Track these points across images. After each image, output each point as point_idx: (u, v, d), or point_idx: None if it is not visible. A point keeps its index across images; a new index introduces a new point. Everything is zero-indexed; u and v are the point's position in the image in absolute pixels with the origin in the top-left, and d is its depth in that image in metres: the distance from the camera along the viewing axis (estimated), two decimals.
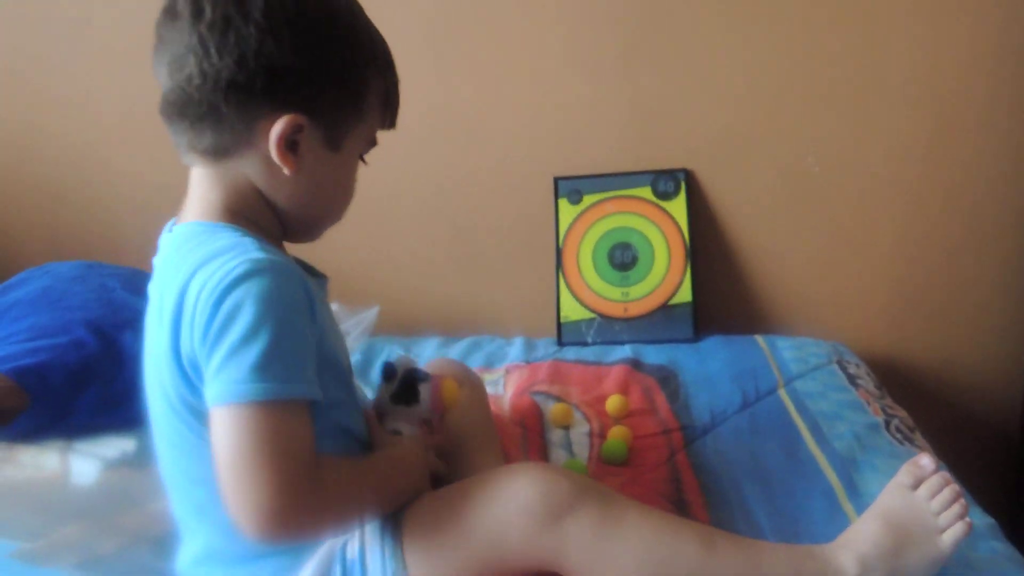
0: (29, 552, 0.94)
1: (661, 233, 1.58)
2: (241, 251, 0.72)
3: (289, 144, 0.76)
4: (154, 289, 0.79)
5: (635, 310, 1.57)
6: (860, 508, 0.97)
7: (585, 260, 1.60)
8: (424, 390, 0.95)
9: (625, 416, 1.24)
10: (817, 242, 1.58)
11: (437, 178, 1.61)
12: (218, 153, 0.77)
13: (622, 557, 0.77)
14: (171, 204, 1.72)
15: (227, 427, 0.69)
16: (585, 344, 1.56)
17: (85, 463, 1.13)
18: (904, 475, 0.85)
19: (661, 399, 1.30)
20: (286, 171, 0.77)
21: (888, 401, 1.29)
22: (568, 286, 1.59)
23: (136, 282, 1.42)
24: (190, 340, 0.71)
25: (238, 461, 0.69)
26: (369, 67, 0.80)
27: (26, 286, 1.36)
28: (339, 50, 0.77)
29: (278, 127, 0.75)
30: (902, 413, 1.24)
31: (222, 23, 0.73)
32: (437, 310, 1.68)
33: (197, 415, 0.74)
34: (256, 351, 0.69)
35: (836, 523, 0.94)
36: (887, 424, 1.17)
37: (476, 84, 1.58)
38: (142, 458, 1.15)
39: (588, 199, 1.60)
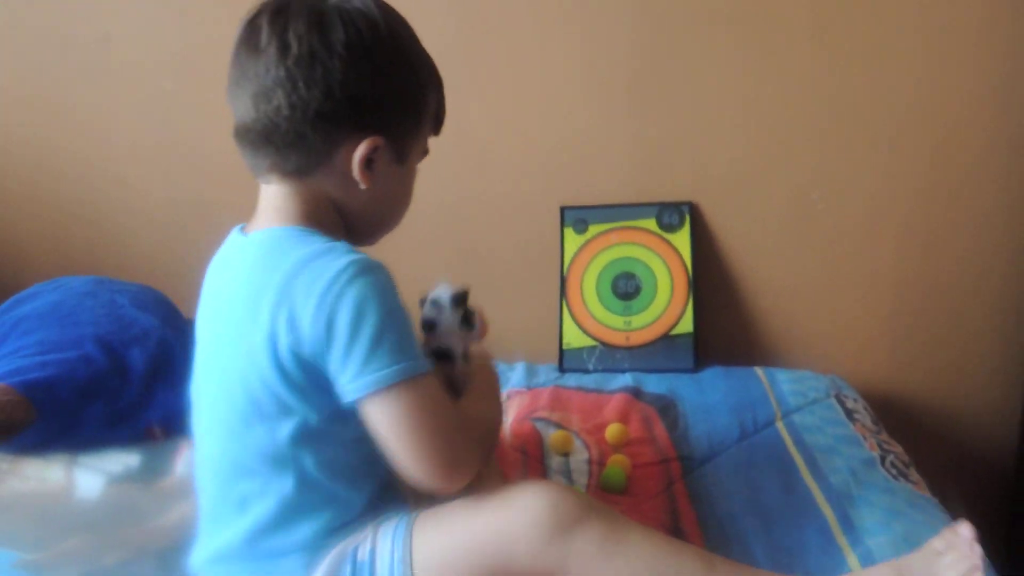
0: (32, 563, 0.96)
1: (664, 264, 1.60)
2: (341, 252, 0.79)
3: (369, 162, 0.84)
4: (229, 283, 0.85)
5: (637, 339, 1.59)
6: (855, 542, 0.99)
7: (589, 288, 1.62)
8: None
9: (624, 444, 1.25)
10: (818, 277, 1.60)
11: (447, 202, 1.63)
12: (300, 173, 0.84)
13: (624, 572, 0.79)
14: (180, 221, 1.77)
15: (391, 408, 0.78)
16: (586, 371, 1.58)
17: (90, 477, 1.14)
18: (939, 541, 0.85)
19: (660, 428, 1.31)
20: (363, 186, 0.85)
21: (884, 436, 1.30)
22: (571, 313, 1.61)
23: (144, 299, 1.44)
24: (297, 340, 0.77)
25: (414, 432, 0.78)
26: (427, 86, 0.89)
27: (37, 300, 1.38)
28: (406, 75, 0.86)
29: (361, 149, 0.83)
30: (898, 448, 1.25)
31: (308, 58, 0.79)
32: None
33: (280, 406, 0.79)
34: (392, 340, 0.77)
35: (830, 557, 0.96)
36: (882, 459, 1.18)
37: (488, 114, 1.60)
38: (146, 474, 1.17)
39: (593, 229, 1.62)
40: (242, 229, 0.90)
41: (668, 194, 1.61)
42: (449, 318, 0.99)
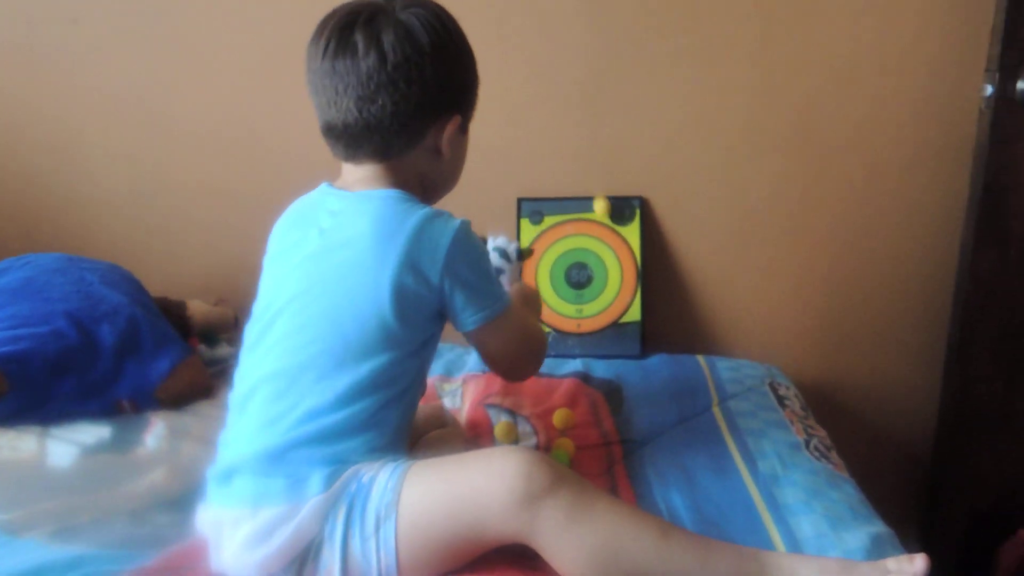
0: (7, 522, 1.00)
1: (615, 256, 1.68)
2: (446, 216, 0.98)
3: (452, 138, 1.02)
4: (337, 233, 0.98)
5: (587, 326, 1.67)
6: (777, 519, 1.07)
7: (543, 277, 1.69)
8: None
9: (570, 428, 1.33)
10: (757, 273, 1.70)
11: None
12: (399, 155, 1.01)
13: (587, 538, 0.87)
14: (143, 200, 1.79)
15: (503, 330, 1.03)
16: None
17: (62, 448, 1.19)
18: (894, 563, 0.89)
19: (605, 412, 1.39)
20: (444, 157, 1.02)
21: (811, 421, 1.40)
22: None
23: (112, 277, 1.48)
24: (421, 279, 0.95)
25: (519, 349, 1.08)
26: (476, 68, 1.06)
27: (7, 275, 1.41)
28: (469, 60, 1.04)
29: (450, 128, 1.01)
30: (822, 433, 1.35)
31: (405, 63, 0.95)
32: None
33: (384, 338, 0.95)
34: (491, 282, 1.02)
35: (755, 531, 1.05)
36: (807, 443, 1.28)
37: None
38: (118, 445, 1.23)
39: (548, 220, 1.70)
40: (332, 186, 1.05)
41: (620, 188, 1.69)
42: (514, 269, 1.26)
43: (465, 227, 0.98)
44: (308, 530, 0.88)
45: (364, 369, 0.94)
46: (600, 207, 1.65)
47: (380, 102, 0.95)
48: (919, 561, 0.88)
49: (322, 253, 0.98)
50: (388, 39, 0.95)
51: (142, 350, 1.35)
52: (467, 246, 0.97)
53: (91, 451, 1.20)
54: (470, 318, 0.99)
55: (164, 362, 1.36)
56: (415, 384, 1.02)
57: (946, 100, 1.58)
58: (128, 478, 1.13)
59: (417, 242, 0.94)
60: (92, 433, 1.24)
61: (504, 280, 1.25)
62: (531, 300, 1.24)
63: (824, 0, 1.57)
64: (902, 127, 1.61)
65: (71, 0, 1.72)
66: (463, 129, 1.06)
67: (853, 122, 1.61)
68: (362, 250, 0.95)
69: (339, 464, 0.91)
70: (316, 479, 0.89)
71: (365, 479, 0.90)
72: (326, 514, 0.89)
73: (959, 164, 1.60)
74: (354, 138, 0.99)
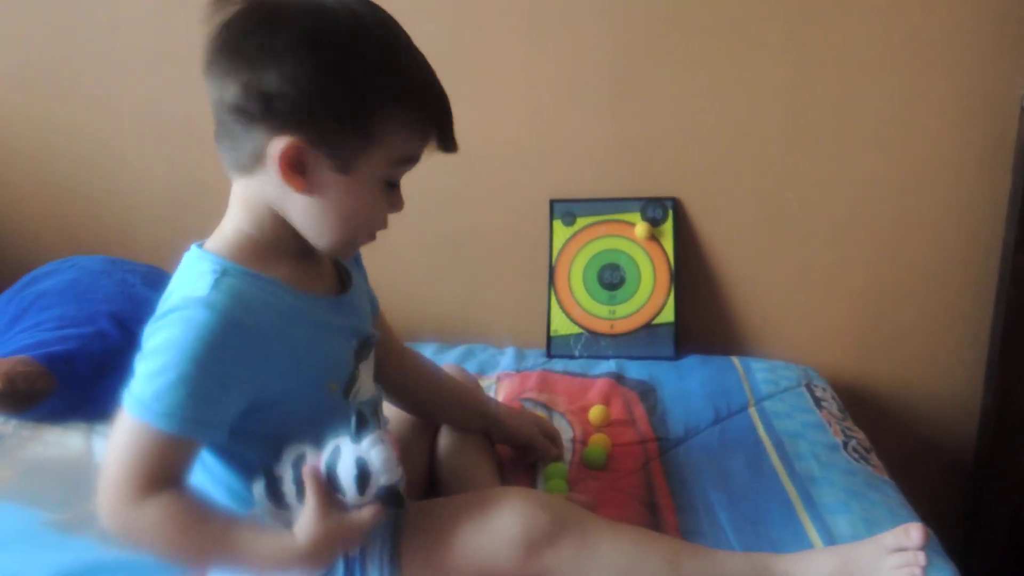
0: (59, 523, 1.03)
1: (648, 257, 1.68)
2: (194, 287, 0.80)
3: (296, 166, 0.81)
4: None
5: (620, 327, 1.68)
6: (814, 517, 1.07)
7: (576, 278, 1.70)
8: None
9: (606, 425, 1.33)
10: (793, 273, 1.69)
11: (441, 197, 1.70)
12: (240, 170, 0.84)
13: None
14: (180, 204, 1.83)
15: (118, 422, 0.78)
16: (572, 357, 1.66)
17: (107, 445, 1.22)
18: (891, 537, 0.90)
19: (640, 411, 1.40)
20: (292, 190, 0.82)
21: (849, 423, 1.39)
22: (559, 302, 1.69)
23: (153, 279, 1.51)
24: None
25: (109, 454, 0.79)
26: (378, 97, 0.81)
27: (53, 277, 1.46)
28: (340, 80, 0.79)
29: (278, 148, 0.79)
30: (860, 435, 1.34)
31: (231, 50, 0.80)
32: (436, 319, 1.77)
33: None
34: (153, 373, 0.77)
35: (791, 528, 1.05)
36: (845, 444, 1.27)
37: (481, 112, 1.66)
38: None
39: (581, 221, 1.70)
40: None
41: (653, 189, 1.69)
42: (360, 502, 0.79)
43: (205, 304, 0.77)
44: None
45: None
46: (641, 230, 1.65)
47: (214, 94, 0.82)
48: (915, 532, 0.89)
49: None
50: (233, 17, 0.81)
51: None
52: (174, 326, 0.77)
53: None
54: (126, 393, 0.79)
55: None
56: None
57: (986, 99, 1.56)
58: None
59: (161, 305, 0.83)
60: None
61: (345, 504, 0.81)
62: (262, 550, 0.79)
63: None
64: (941, 126, 1.59)
65: (109, 10, 1.76)
66: (341, 168, 0.82)
67: (890, 121, 1.60)
68: None
69: None
70: None
71: (352, 551, 0.86)
72: None
73: (1000, 164, 1.57)
74: (215, 140, 0.85)
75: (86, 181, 1.86)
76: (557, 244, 1.70)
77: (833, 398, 1.50)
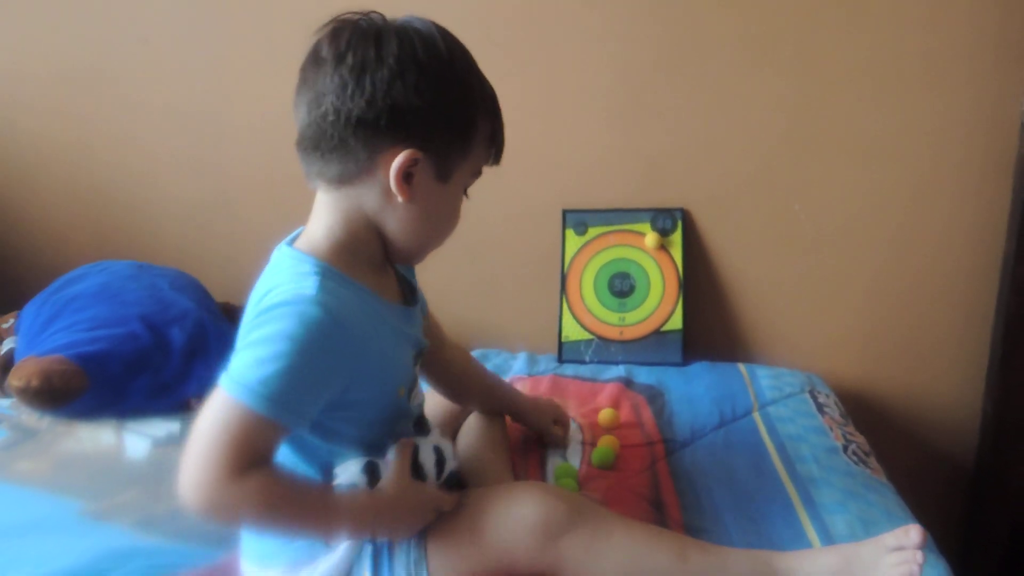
0: (94, 511, 1.09)
1: (657, 266, 1.73)
2: (301, 285, 0.83)
3: (405, 175, 0.86)
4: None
5: (630, 334, 1.72)
6: (813, 516, 1.11)
7: (587, 286, 1.75)
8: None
9: (615, 428, 1.38)
10: (799, 282, 1.73)
11: None
12: (342, 181, 0.88)
13: (609, 569, 0.91)
14: (206, 212, 1.89)
15: (214, 404, 0.81)
16: (583, 362, 1.71)
17: (137, 440, 1.28)
18: (891, 538, 0.92)
19: (648, 415, 1.44)
20: (400, 199, 0.87)
21: (850, 428, 1.43)
22: (570, 309, 1.74)
23: (181, 283, 1.57)
24: (240, 336, 0.85)
25: (200, 434, 0.80)
26: (478, 109, 0.90)
27: (86, 280, 1.52)
28: (453, 93, 0.87)
29: (399, 160, 0.85)
30: (860, 439, 1.38)
31: (359, 67, 0.83)
32: (450, 324, 1.80)
33: None
34: (261, 360, 0.79)
35: (790, 526, 1.09)
36: (845, 448, 1.32)
37: None
38: (186, 439, 1.31)
39: (592, 231, 1.75)
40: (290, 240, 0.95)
41: (662, 200, 1.74)
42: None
43: (310, 301, 0.81)
44: None
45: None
46: (651, 240, 1.70)
47: (324, 107, 0.84)
48: (914, 532, 0.91)
49: None
50: (353, 41, 0.85)
51: (209, 351, 1.44)
52: (280, 320, 0.81)
53: (163, 444, 1.28)
54: (225, 371, 0.82)
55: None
56: (336, 454, 0.91)
57: (988, 113, 1.60)
58: None
59: (259, 303, 0.85)
60: (164, 428, 1.32)
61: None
62: (357, 509, 0.88)
63: (865, 13, 1.60)
64: (943, 140, 1.63)
65: (140, 23, 1.82)
66: (442, 176, 0.89)
67: (894, 134, 1.64)
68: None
69: None
70: (303, 544, 0.91)
71: (380, 543, 0.91)
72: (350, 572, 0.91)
73: (1001, 176, 1.62)
74: (305, 149, 0.88)
75: (114, 189, 1.93)
76: (569, 253, 1.75)
77: (836, 404, 1.54)
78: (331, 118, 0.84)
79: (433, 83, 0.85)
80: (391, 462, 0.90)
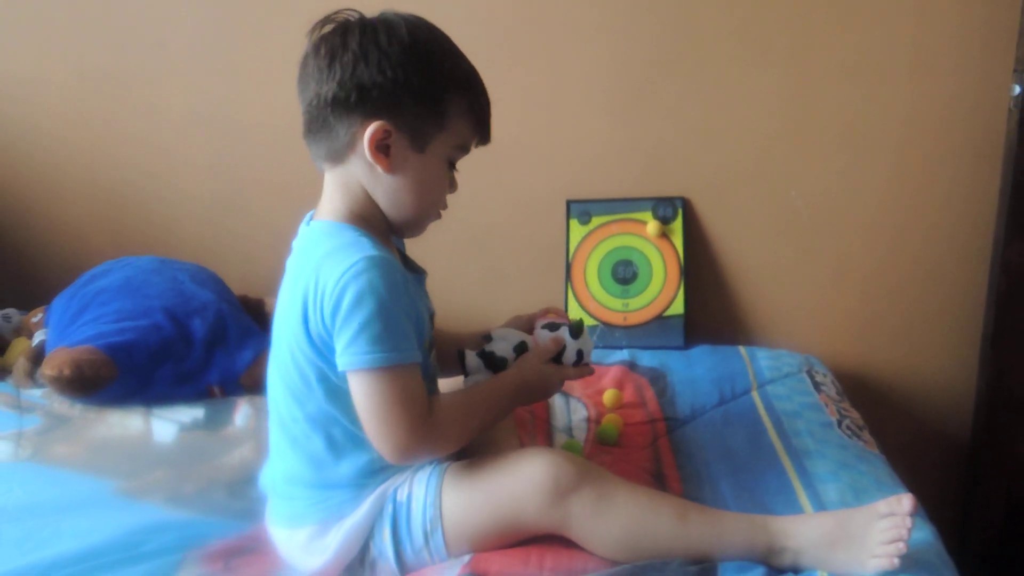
0: (127, 489, 1.15)
1: (659, 253, 1.78)
2: (358, 248, 0.94)
3: (381, 147, 0.97)
4: (291, 266, 1.02)
5: (633, 319, 1.78)
6: (807, 485, 1.16)
7: (591, 274, 1.80)
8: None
9: (618, 407, 1.44)
10: (797, 267, 1.78)
11: (465, 198, 1.77)
12: (335, 158, 1.00)
13: (613, 527, 0.97)
14: (222, 208, 1.95)
15: (363, 387, 0.94)
16: None
17: (164, 425, 1.35)
18: (884, 505, 0.97)
19: (650, 395, 1.50)
20: (380, 169, 0.98)
21: (845, 404, 1.48)
22: (575, 296, 1.80)
23: (201, 277, 1.64)
24: (318, 318, 0.94)
25: (375, 412, 0.94)
26: (448, 84, 0.99)
27: (110, 275, 1.58)
28: (417, 70, 0.96)
29: (369, 131, 0.96)
30: (855, 414, 1.44)
31: (330, 55, 0.96)
32: (459, 311, 1.87)
33: (315, 370, 0.97)
34: (375, 330, 0.92)
35: (784, 495, 1.14)
36: (839, 423, 1.37)
37: (502, 118, 1.72)
38: (211, 424, 1.38)
39: (596, 220, 1.81)
40: (310, 218, 1.06)
41: (664, 189, 1.79)
42: (571, 349, 1.12)
43: (368, 264, 0.92)
44: (350, 549, 0.99)
45: (315, 406, 0.98)
46: (653, 228, 1.76)
47: (309, 94, 0.97)
48: (906, 500, 0.96)
49: (281, 294, 1.03)
50: (327, 36, 0.98)
51: (229, 342, 1.50)
52: (362, 282, 0.91)
53: (188, 429, 1.35)
54: (339, 358, 0.94)
55: (248, 352, 1.51)
56: None
57: (977, 99, 1.65)
58: (222, 452, 1.28)
59: (318, 273, 0.94)
60: (188, 414, 1.39)
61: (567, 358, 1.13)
62: (507, 395, 1.06)
63: (857, 6, 1.66)
64: (935, 125, 1.68)
65: (157, 27, 1.89)
66: (417, 147, 0.99)
67: (887, 121, 1.69)
68: (287, 290, 1.00)
69: (355, 487, 1.00)
70: (335, 501, 0.99)
71: (401, 497, 0.99)
72: (368, 534, 0.99)
73: (990, 160, 1.66)
74: (307, 135, 1.01)
75: (134, 189, 1.98)
76: (573, 241, 1.81)
77: (833, 383, 1.59)
78: (315, 102, 0.97)
79: (394, 62, 0.95)
80: (534, 345, 1.10)
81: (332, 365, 0.95)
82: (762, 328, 1.83)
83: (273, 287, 1.83)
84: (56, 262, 2.01)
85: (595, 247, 1.80)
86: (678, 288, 1.77)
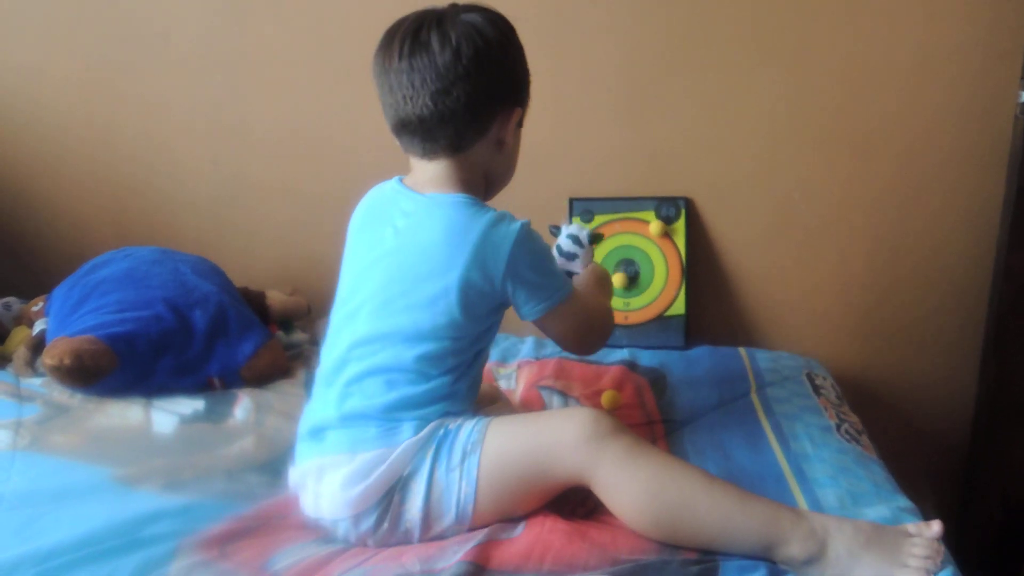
0: (124, 476, 1.15)
1: (661, 253, 1.79)
2: (508, 218, 1.08)
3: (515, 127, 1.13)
4: (411, 233, 1.10)
5: (634, 319, 1.78)
6: (805, 490, 1.16)
7: None
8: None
9: (617, 409, 1.44)
10: (799, 269, 1.79)
11: None
12: (458, 148, 1.10)
13: (640, 473, 0.99)
14: (224, 200, 1.95)
15: (564, 317, 1.14)
16: None
17: (164, 417, 1.35)
18: (913, 527, 0.98)
19: (649, 396, 1.50)
20: (506, 148, 1.13)
21: (844, 409, 1.48)
22: None
23: (202, 268, 1.63)
24: (484, 273, 1.06)
25: (580, 330, 1.17)
26: (527, 72, 1.16)
27: (111, 266, 1.58)
28: (524, 57, 1.14)
29: (513, 118, 1.12)
30: (854, 419, 1.44)
31: (476, 57, 1.05)
32: None
33: (451, 328, 1.07)
34: (551, 275, 1.12)
35: (783, 499, 1.12)
36: (838, 427, 1.37)
37: None
38: (211, 416, 1.38)
39: (599, 219, 1.81)
40: (404, 184, 1.15)
41: (667, 189, 1.79)
42: (587, 252, 1.37)
43: (525, 229, 1.07)
44: (400, 467, 1.02)
45: (433, 349, 1.06)
46: (655, 227, 1.76)
47: (455, 93, 1.04)
48: (935, 525, 0.98)
49: (398, 252, 1.09)
50: (458, 36, 1.04)
51: (229, 333, 1.50)
52: (528, 247, 1.07)
53: (189, 420, 1.35)
54: (532, 310, 1.11)
55: (248, 345, 1.51)
56: (478, 361, 1.14)
57: (983, 107, 1.66)
58: (222, 444, 1.28)
59: (483, 247, 1.05)
60: (189, 405, 1.39)
61: (578, 264, 1.36)
62: (601, 279, 1.33)
63: (865, 9, 1.66)
64: (940, 130, 1.68)
65: (161, 18, 1.89)
66: (520, 123, 1.16)
67: (892, 125, 1.70)
68: (434, 254, 1.07)
69: (425, 420, 1.05)
70: (407, 426, 1.04)
71: (452, 426, 1.05)
72: (416, 453, 1.03)
73: (995, 167, 1.67)
74: (430, 131, 1.08)
75: (135, 181, 2.00)
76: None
77: (832, 386, 1.59)
78: (464, 100, 1.05)
79: (519, 50, 1.13)
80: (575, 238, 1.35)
81: (471, 323, 1.08)
82: (762, 330, 1.83)
83: (275, 279, 1.87)
84: (57, 251, 2.02)
85: (597, 246, 1.80)
86: (680, 288, 1.77)
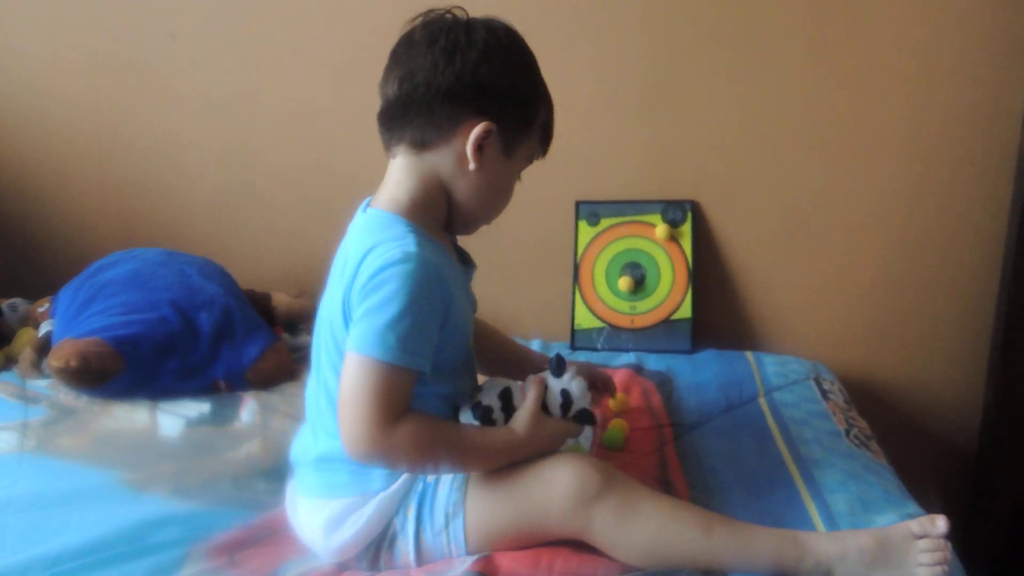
0: (133, 480, 1.15)
1: (668, 256, 1.78)
2: (402, 243, 0.94)
3: (479, 146, 0.99)
4: (342, 250, 1.02)
5: (641, 322, 1.77)
6: (815, 496, 1.15)
7: (599, 275, 1.80)
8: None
9: (625, 412, 1.43)
10: (806, 273, 1.78)
11: None
12: (424, 146, 1.00)
13: (636, 536, 0.96)
14: (230, 202, 1.95)
15: (351, 369, 0.93)
16: (595, 349, 1.76)
17: (170, 420, 1.34)
18: (916, 525, 0.96)
19: (657, 399, 1.49)
20: (472, 166, 0.99)
21: (853, 413, 1.48)
22: (583, 297, 1.80)
23: (208, 270, 1.63)
24: (352, 299, 0.94)
25: (349, 396, 0.93)
26: (541, 98, 1.05)
27: (117, 267, 1.58)
28: (526, 80, 1.03)
29: (477, 129, 0.98)
30: (862, 424, 1.43)
31: (451, 47, 0.97)
32: None
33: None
34: (385, 318, 0.91)
35: (793, 505, 1.13)
36: (847, 432, 1.36)
37: None
38: (217, 419, 1.37)
39: (605, 222, 1.80)
40: (367, 205, 1.04)
41: (673, 192, 1.79)
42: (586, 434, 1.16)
43: (401, 262, 0.92)
44: (377, 523, 0.99)
45: None
46: (662, 231, 1.76)
47: (416, 80, 0.97)
48: (940, 521, 0.96)
49: (330, 276, 1.03)
50: (445, 29, 0.98)
51: (235, 336, 1.50)
52: (396, 281, 0.91)
53: (195, 423, 1.34)
54: (353, 335, 0.94)
55: (254, 347, 1.50)
56: (428, 406, 0.99)
57: (990, 109, 1.65)
58: (228, 447, 1.27)
59: (363, 262, 0.94)
60: (195, 408, 1.38)
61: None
62: (514, 446, 1.00)
63: (873, 14, 1.65)
64: (947, 134, 1.68)
65: (169, 17, 1.88)
66: (506, 151, 1.02)
67: (899, 129, 1.69)
68: (336, 273, 1.00)
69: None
70: (377, 475, 0.99)
71: (430, 479, 1.00)
72: (395, 509, 0.99)
73: (1003, 169, 1.66)
74: (392, 118, 1.00)
75: (144, 179, 1.99)
76: (582, 243, 1.80)
77: (840, 391, 1.59)
78: (421, 88, 0.97)
79: (513, 68, 1.01)
80: (526, 396, 1.02)
81: None
82: (769, 333, 1.82)
83: (281, 282, 1.86)
84: (64, 252, 2.01)
85: (603, 249, 1.80)
86: (686, 292, 1.76)
